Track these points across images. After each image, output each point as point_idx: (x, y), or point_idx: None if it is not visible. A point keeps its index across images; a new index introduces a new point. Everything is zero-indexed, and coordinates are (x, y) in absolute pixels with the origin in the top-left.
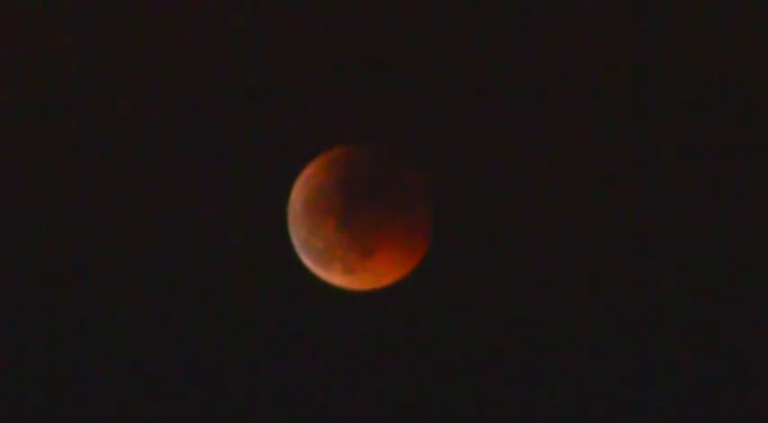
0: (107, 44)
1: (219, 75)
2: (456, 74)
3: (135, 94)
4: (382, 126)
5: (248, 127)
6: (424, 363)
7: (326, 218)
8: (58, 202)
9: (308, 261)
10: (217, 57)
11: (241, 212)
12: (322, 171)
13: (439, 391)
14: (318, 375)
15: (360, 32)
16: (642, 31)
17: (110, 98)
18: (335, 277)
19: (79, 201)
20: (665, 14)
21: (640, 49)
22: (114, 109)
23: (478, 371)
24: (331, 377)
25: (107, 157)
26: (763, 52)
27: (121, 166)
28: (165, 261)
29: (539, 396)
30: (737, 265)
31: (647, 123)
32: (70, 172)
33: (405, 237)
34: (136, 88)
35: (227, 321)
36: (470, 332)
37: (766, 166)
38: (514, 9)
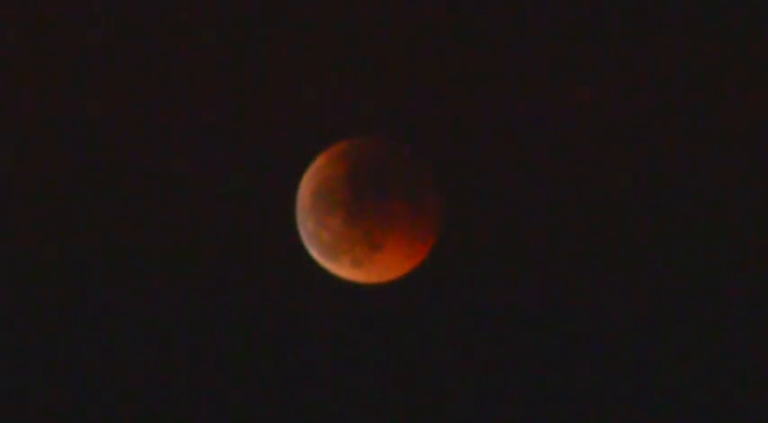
0: (114, 43)
1: (228, 68)
2: (465, 68)
3: (145, 90)
4: (391, 120)
5: (257, 120)
6: (430, 356)
7: (334, 211)
8: (74, 198)
9: (315, 254)
10: (223, 52)
11: (249, 205)
12: (330, 164)
13: (444, 383)
14: (324, 368)
15: (367, 27)
16: (644, 31)
17: (119, 93)
18: (343, 270)
19: (88, 195)
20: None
21: (643, 48)
22: (124, 102)
23: (483, 364)
24: (337, 370)
25: (114, 151)
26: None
27: (130, 159)
28: (171, 254)
29: (540, 391)
30: (737, 265)
31: (651, 123)
32: (84, 169)
33: (412, 230)
34: (146, 83)
35: (234, 313)
36: (477, 325)
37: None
38: (518, 8)
